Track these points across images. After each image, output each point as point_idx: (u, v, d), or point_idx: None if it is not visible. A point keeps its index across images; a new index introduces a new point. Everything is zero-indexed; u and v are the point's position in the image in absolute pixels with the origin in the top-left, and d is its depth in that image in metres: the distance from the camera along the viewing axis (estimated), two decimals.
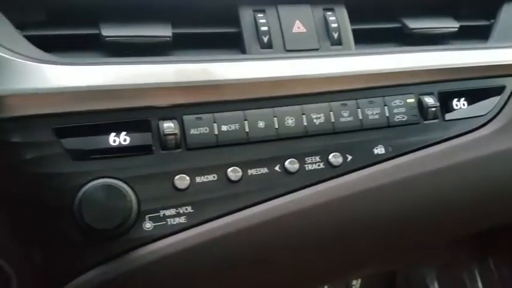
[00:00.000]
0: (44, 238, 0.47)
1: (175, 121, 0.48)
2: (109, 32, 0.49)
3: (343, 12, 0.55)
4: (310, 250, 0.53)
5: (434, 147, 0.54)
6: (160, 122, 0.47)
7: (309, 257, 0.54)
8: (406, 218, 0.55)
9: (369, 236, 0.55)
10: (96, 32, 0.49)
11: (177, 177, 0.47)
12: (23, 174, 0.45)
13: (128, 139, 0.46)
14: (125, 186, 0.45)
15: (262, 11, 0.53)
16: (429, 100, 0.55)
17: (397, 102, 0.54)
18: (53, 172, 0.45)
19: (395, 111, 0.54)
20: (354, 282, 0.74)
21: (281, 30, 0.53)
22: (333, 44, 0.54)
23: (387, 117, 0.53)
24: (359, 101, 0.53)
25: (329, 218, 0.52)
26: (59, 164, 0.45)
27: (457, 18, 0.61)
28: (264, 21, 0.53)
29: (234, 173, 0.49)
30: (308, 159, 0.51)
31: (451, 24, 0.60)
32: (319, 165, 0.51)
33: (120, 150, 0.46)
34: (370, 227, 0.54)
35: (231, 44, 0.53)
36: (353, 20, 0.56)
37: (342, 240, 0.54)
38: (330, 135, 0.52)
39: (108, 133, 0.46)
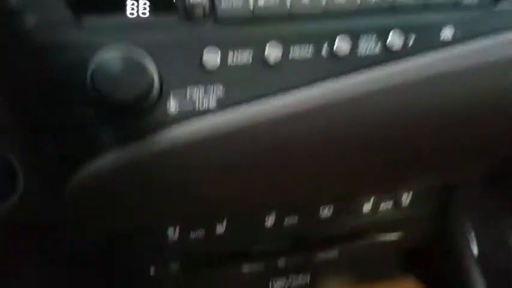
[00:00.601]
0: (54, 118, 0.41)
1: None
2: None
3: None
4: (356, 147, 0.46)
5: (508, 34, 0.46)
6: None
7: (354, 156, 0.48)
8: (472, 111, 0.47)
9: (425, 132, 0.48)
10: None
11: (205, 52, 0.40)
12: (26, 44, 0.38)
13: (148, 4, 0.39)
14: (144, 56, 0.38)
15: None
16: None
17: None
18: (60, 40, 0.38)
19: None
20: (404, 197, 0.67)
21: None
22: None
23: None
24: None
25: (382, 109, 0.44)
26: (67, 31, 0.38)
27: None
28: None
29: (272, 52, 0.41)
30: (361, 39, 0.43)
31: None
32: (374, 47, 0.43)
33: (139, 17, 0.39)
34: (429, 120, 0.46)
35: None
36: None
37: (393, 137, 0.47)
38: (389, 14, 0.43)
39: None
